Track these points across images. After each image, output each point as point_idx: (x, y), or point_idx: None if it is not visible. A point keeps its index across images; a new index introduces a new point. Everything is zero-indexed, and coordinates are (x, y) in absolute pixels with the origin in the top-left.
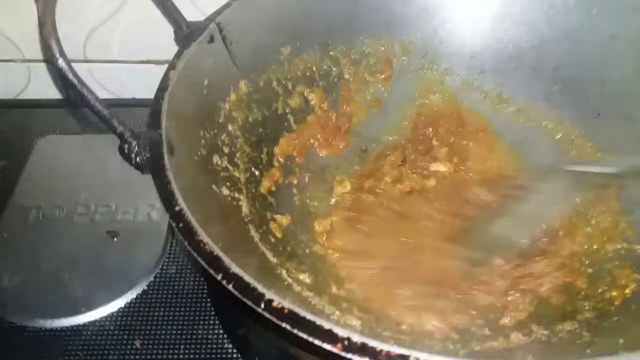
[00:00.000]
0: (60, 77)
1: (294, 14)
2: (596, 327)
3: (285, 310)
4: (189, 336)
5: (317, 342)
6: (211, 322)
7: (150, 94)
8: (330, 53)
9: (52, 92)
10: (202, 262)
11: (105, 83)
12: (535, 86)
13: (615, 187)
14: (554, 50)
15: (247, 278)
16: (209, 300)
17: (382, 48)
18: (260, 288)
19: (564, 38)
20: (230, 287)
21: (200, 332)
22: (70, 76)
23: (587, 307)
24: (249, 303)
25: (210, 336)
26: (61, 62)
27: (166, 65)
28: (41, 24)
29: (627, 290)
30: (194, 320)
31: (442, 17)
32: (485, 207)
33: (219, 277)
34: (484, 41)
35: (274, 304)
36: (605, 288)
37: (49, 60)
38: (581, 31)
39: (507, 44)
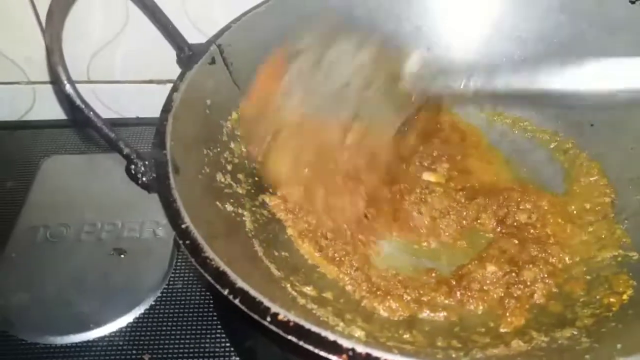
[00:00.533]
0: (66, 100)
1: (291, 35)
2: (595, 333)
3: (291, 323)
4: (197, 349)
5: (322, 353)
6: (218, 335)
7: (153, 113)
8: None
9: (56, 113)
10: (209, 278)
11: (109, 103)
12: (528, 98)
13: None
14: (545, 64)
15: (252, 292)
16: (215, 314)
17: None
18: (266, 302)
19: (554, 52)
20: (237, 301)
21: (207, 345)
22: (78, 102)
23: (585, 314)
24: (256, 317)
25: (217, 349)
26: (69, 88)
27: (167, 85)
28: (49, 53)
29: (625, 297)
30: (201, 333)
31: (436, 35)
32: None
33: (226, 292)
34: (478, 56)
35: (280, 317)
36: (603, 295)
37: (56, 84)
38: (571, 45)
39: (500, 58)
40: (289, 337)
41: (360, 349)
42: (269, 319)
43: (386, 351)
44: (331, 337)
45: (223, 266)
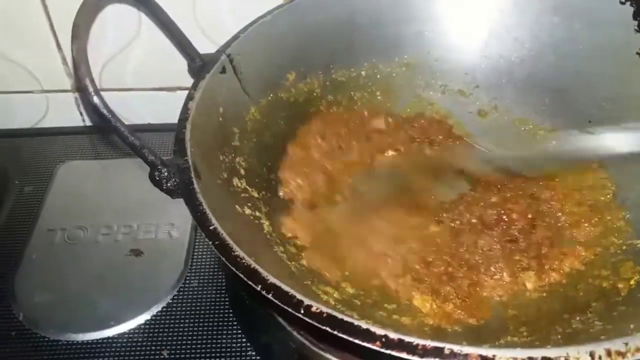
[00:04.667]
0: (92, 110)
1: (297, 42)
2: (607, 317)
3: (324, 314)
4: (213, 345)
5: (357, 341)
6: (234, 331)
7: (163, 119)
8: (332, 76)
9: (69, 121)
10: (242, 276)
11: (121, 110)
12: (527, 98)
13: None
14: (542, 64)
15: (284, 287)
16: (231, 310)
17: (383, 70)
18: (299, 295)
19: (550, 52)
20: (270, 296)
21: (224, 341)
22: (105, 112)
23: (595, 299)
24: (290, 310)
25: (234, 345)
26: (96, 99)
27: (177, 92)
28: (76, 66)
29: (632, 282)
30: (217, 330)
31: (436, 39)
32: None
33: (259, 288)
34: (477, 58)
35: (313, 309)
36: (611, 281)
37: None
38: (566, 44)
39: (498, 59)
40: (324, 327)
41: (393, 335)
42: (302, 311)
43: (419, 337)
44: (364, 325)
45: (253, 264)
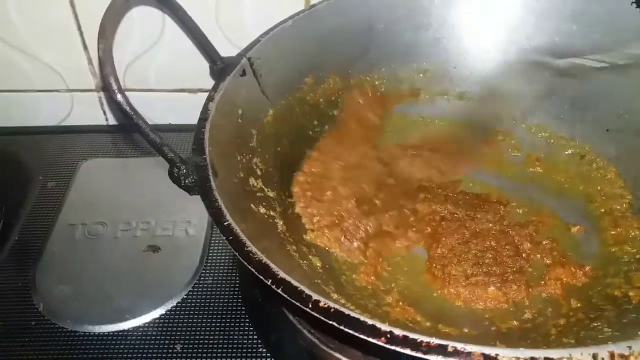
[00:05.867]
0: (116, 108)
1: (316, 47)
2: (617, 324)
3: (332, 310)
4: (226, 341)
5: (362, 337)
6: (246, 328)
7: (184, 120)
8: (351, 81)
9: (93, 119)
10: (254, 270)
11: (143, 110)
12: (546, 106)
13: None
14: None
15: (294, 283)
16: (244, 307)
17: (401, 77)
18: (308, 291)
19: (569, 61)
20: (280, 291)
21: (236, 337)
22: (128, 109)
23: (607, 307)
24: (298, 304)
25: (245, 341)
26: (120, 97)
27: (199, 94)
28: (102, 65)
29: None
30: (230, 326)
31: (454, 45)
32: None
33: (269, 283)
34: (495, 65)
35: (321, 304)
36: (623, 289)
37: (107, 92)
38: (585, 54)
39: (518, 67)
40: (331, 322)
41: (398, 332)
42: (311, 306)
43: (423, 334)
44: (370, 321)
45: (265, 259)
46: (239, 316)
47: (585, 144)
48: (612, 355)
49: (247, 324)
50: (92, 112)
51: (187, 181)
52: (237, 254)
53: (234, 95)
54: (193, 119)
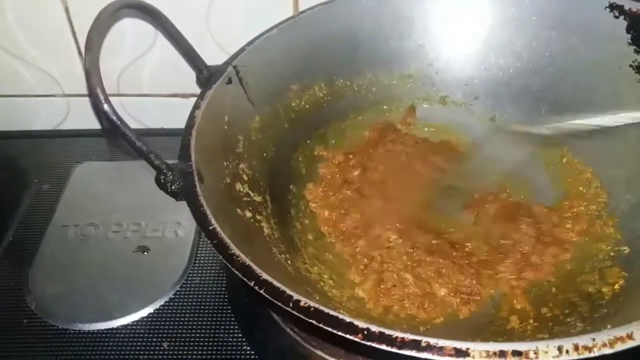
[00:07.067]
0: (103, 117)
1: (301, 54)
2: (589, 319)
3: (312, 309)
4: (211, 339)
5: (340, 333)
6: (231, 326)
7: (177, 124)
8: (335, 88)
9: (88, 124)
10: (237, 272)
11: (136, 114)
12: (525, 108)
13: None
14: (539, 76)
15: (276, 283)
16: (229, 307)
17: (385, 83)
18: (288, 291)
19: (547, 64)
20: (262, 291)
21: (221, 335)
22: (114, 118)
23: (580, 303)
24: (279, 304)
25: (230, 339)
26: (106, 107)
27: (191, 99)
28: (88, 76)
29: (616, 286)
30: (216, 324)
31: (436, 51)
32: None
33: (252, 284)
34: (476, 70)
35: (301, 303)
36: (597, 285)
37: (92, 99)
38: (563, 58)
39: (497, 71)
40: (310, 320)
41: (374, 328)
42: (291, 305)
43: (398, 330)
44: (347, 319)
45: (248, 261)
46: (224, 315)
47: (563, 146)
48: (577, 347)
49: (233, 322)
50: (87, 117)
51: (173, 187)
52: (221, 257)
53: (220, 103)
54: (185, 123)
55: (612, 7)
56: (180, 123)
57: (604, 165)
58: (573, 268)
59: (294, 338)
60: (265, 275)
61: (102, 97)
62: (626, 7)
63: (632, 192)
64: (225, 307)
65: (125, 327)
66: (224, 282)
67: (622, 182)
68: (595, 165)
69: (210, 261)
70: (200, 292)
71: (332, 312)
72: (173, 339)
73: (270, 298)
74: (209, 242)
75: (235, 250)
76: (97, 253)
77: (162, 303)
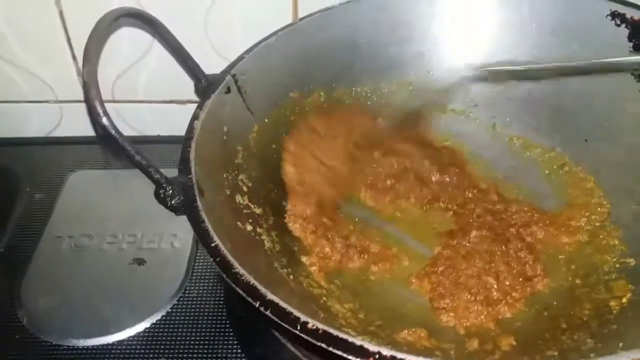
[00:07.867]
0: (101, 130)
1: (300, 62)
2: (598, 334)
3: (320, 331)
4: (210, 354)
5: (351, 357)
6: (230, 341)
7: (173, 131)
8: (334, 95)
9: (82, 130)
10: (241, 292)
11: (132, 121)
12: (525, 116)
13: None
14: (540, 83)
15: (282, 304)
16: (228, 321)
17: (384, 90)
18: (295, 312)
19: (549, 71)
20: (268, 312)
21: (220, 350)
22: (113, 132)
23: (589, 317)
24: (286, 326)
25: (229, 354)
26: (105, 121)
27: (187, 105)
28: (86, 89)
29: (624, 300)
30: (214, 339)
31: (436, 59)
32: None
33: (257, 305)
34: (475, 77)
35: (309, 325)
36: (604, 299)
37: (92, 117)
38: (563, 64)
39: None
40: (319, 343)
41: (386, 352)
42: (299, 327)
43: (411, 354)
44: (357, 342)
45: (253, 280)
46: (223, 329)
47: (564, 154)
48: None
49: (231, 337)
50: (81, 123)
51: (173, 202)
52: (224, 276)
53: (219, 113)
54: (181, 130)
55: (614, 15)
56: (176, 130)
57: (606, 173)
58: (578, 281)
59: (294, 353)
60: (270, 295)
61: (100, 111)
62: (628, 15)
63: (637, 202)
64: (224, 321)
65: (121, 342)
66: (222, 294)
67: (625, 191)
68: (597, 174)
69: (207, 273)
70: (198, 305)
71: (341, 335)
72: (170, 355)
73: (277, 320)
74: (211, 260)
75: (239, 268)
76: (92, 265)
77: (159, 317)
